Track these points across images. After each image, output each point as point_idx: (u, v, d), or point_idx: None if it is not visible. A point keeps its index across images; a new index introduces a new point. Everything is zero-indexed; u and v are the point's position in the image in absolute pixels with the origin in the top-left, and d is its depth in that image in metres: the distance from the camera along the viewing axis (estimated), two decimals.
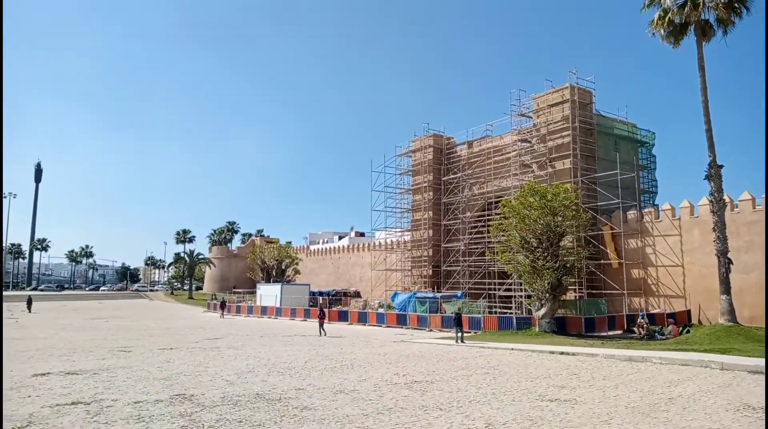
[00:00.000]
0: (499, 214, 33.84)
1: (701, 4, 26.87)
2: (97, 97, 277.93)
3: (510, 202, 30.89)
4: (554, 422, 10.19)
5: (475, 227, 47.15)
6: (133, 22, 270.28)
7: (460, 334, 25.05)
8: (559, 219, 28.05)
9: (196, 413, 10.88)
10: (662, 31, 28.30)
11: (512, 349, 21.79)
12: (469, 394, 12.74)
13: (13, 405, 11.66)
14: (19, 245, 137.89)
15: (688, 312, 33.61)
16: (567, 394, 12.74)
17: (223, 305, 50.92)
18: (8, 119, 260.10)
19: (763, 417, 10.36)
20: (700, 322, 33.11)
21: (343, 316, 41.21)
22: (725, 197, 29.57)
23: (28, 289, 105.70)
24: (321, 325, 31.24)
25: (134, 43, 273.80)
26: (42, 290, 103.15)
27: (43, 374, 15.78)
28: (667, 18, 27.30)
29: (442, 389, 13.34)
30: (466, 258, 46.69)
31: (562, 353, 20.36)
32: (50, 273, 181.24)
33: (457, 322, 25.65)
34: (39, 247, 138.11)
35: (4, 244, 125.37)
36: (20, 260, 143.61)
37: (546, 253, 27.44)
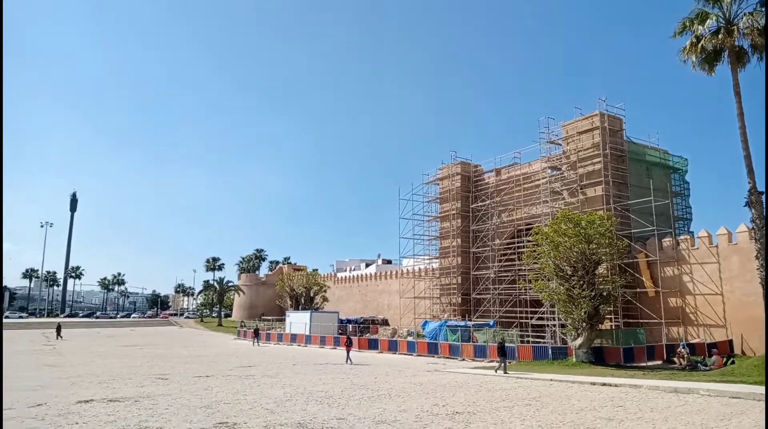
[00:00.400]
0: (530, 241, 33.54)
1: (735, 30, 26.68)
2: (131, 128, 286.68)
3: (542, 229, 30.62)
4: None
5: (505, 255, 46.73)
6: (167, 54, 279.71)
7: (503, 364, 24.59)
8: (594, 246, 27.65)
9: None
10: (694, 58, 28.04)
11: (551, 380, 21.35)
12: (513, 426, 12.52)
13: None
14: (54, 273, 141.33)
15: (730, 342, 32.50)
16: (615, 427, 12.43)
17: (256, 333, 50.88)
18: (46, 150, 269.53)
19: None
20: (743, 352, 31.96)
21: (373, 345, 40.94)
22: None
23: (62, 316, 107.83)
24: (348, 352, 31.53)
25: (167, 74, 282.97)
26: (97, 317, 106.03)
27: (87, 401, 16.03)
28: (699, 45, 27.09)
29: (485, 421, 13.14)
30: (497, 286, 46.18)
31: (604, 384, 19.87)
32: (81, 300, 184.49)
33: (501, 351, 25.20)
34: (73, 274, 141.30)
35: (40, 272, 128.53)
36: (55, 288, 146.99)
37: (582, 282, 26.98)
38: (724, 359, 27.31)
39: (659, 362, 29.83)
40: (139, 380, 21.75)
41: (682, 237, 37.42)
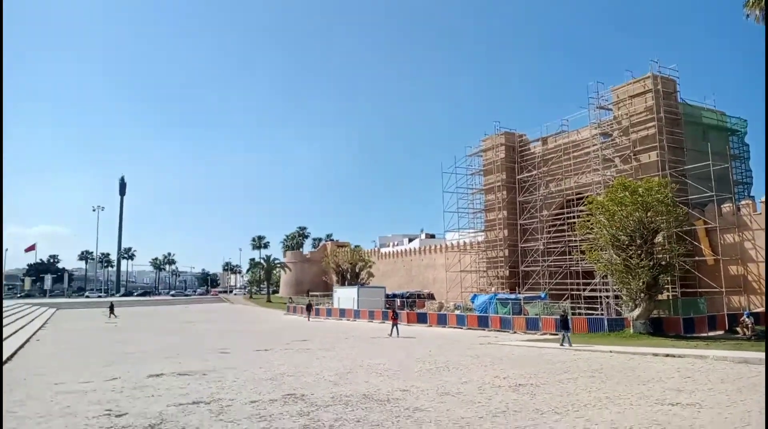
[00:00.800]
0: (583, 211, 32.72)
1: None
2: (173, 107, 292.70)
3: (596, 198, 29.77)
4: (685, 427, 9.68)
5: (554, 226, 45.82)
6: (206, 32, 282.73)
7: (566, 337, 24.29)
8: (652, 214, 26.71)
9: (312, 412, 11.18)
10: (758, 12, 26.35)
11: (611, 351, 20.99)
12: (581, 398, 12.35)
13: (142, 403, 12.43)
14: (108, 254, 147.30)
15: (766, 312, 31.04)
16: (687, 398, 12.11)
17: (309, 308, 51.97)
18: (95, 136, 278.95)
19: None
20: None
21: (422, 318, 41.15)
22: None
23: (118, 295, 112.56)
24: (395, 325, 31.93)
25: (208, 53, 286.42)
26: (173, 295, 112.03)
27: (158, 375, 16.72)
28: None
29: (551, 392, 13.02)
30: (546, 258, 45.46)
31: (667, 355, 19.40)
32: (134, 280, 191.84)
33: (563, 324, 24.93)
34: (126, 256, 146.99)
35: (95, 254, 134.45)
36: (109, 269, 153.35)
37: (640, 251, 26.17)
38: None
39: (721, 332, 28.90)
40: (203, 355, 22.55)
41: (743, 202, 35.80)
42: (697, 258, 35.48)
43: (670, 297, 33.58)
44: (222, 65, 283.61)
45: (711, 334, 28.19)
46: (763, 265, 33.74)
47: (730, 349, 20.94)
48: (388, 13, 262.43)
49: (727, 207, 35.61)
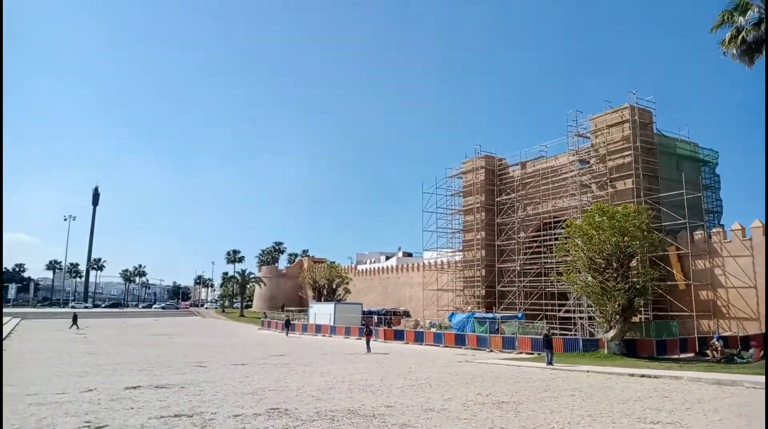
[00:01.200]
0: (559, 234, 33.32)
1: None
2: (149, 120, 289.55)
3: (574, 222, 30.37)
4: None
5: (531, 248, 46.48)
6: (184, 46, 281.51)
7: (549, 356, 24.53)
8: (628, 239, 27.36)
9: (298, 427, 11.09)
10: (735, 51, 27.40)
11: (588, 371, 21.29)
12: (564, 416, 12.51)
13: (122, 415, 12.15)
14: (77, 265, 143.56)
15: (765, 334, 32.04)
16: (667, 417, 12.37)
17: (287, 324, 51.06)
18: (70, 144, 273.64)
19: None
20: None
21: (399, 336, 41.10)
22: None
23: (84, 306, 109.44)
24: (368, 342, 32.59)
25: (184, 67, 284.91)
26: (164, 308, 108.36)
27: (135, 387, 16.35)
28: (740, 37, 26.52)
29: (534, 410, 13.16)
30: (522, 278, 45.99)
31: (642, 375, 19.77)
32: (101, 291, 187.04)
33: (547, 344, 25.19)
34: (95, 266, 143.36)
35: (64, 264, 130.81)
36: (77, 279, 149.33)
37: (616, 274, 26.76)
38: (761, 352, 26.93)
39: (691, 355, 29.57)
40: (179, 368, 22.11)
41: (714, 230, 36.93)
42: (669, 282, 36.36)
43: (643, 320, 34.29)
44: (198, 79, 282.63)
45: (682, 356, 28.84)
46: (732, 291, 34.76)
47: (702, 370, 21.44)
48: (371, 32, 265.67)
49: (698, 234, 36.69)
